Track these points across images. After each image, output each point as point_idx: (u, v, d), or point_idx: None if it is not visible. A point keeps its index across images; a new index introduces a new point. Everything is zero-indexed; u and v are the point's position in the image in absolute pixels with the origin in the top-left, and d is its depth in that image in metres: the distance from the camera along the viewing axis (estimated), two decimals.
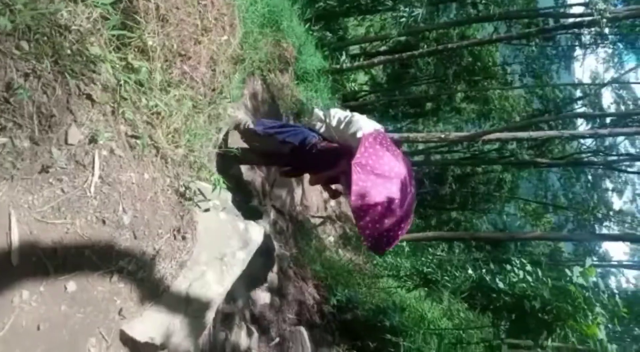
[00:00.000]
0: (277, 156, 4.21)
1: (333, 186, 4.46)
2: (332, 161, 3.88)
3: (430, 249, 11.55)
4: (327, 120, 4.06)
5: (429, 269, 7.31)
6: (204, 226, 2.78)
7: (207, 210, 2.88)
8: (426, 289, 7.47)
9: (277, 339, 4.34)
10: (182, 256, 2.52)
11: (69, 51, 2.09)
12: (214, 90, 3.62)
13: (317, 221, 7.69)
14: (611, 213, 17.83)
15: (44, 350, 1.88)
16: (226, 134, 4.24)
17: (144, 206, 2.35)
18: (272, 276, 4.97)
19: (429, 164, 17.32)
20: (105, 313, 2.14)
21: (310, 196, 8.15)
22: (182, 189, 2.81)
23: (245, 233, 2.99)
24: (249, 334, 3.95)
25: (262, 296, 4.68)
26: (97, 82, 2.27)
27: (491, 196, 17.33)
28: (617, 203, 20.67)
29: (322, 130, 4.08)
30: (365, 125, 3.87)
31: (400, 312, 6.00)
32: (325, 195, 9.38)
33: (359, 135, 3.74)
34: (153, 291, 2.35)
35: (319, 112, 4.17)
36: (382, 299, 6.93)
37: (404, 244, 9.59)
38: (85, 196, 2.06)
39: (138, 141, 2.45)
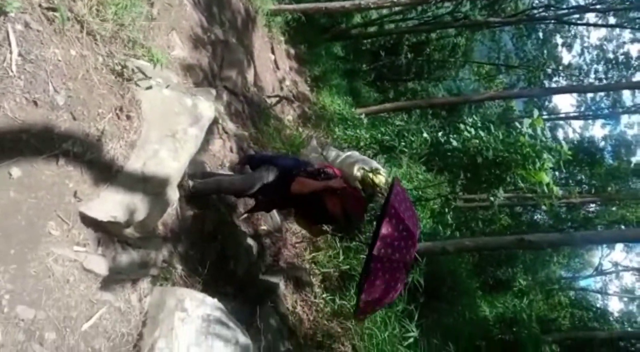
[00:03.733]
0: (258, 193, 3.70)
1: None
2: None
3: (389, 120, 11.78)
4: (325, 153, 3.92)
5: (387, 137, 7.50)
6: (149, 104, 2.67)
7: (149, 88, 2.74)
8: (385, 156, 7.73)
9: (245, 215, 4.49)
10: (130, 136, 2.45)
11: None
12: None
13: (274, 100, 7.56)
14: (560, 68, 18.30)
15: (0, 237, 1.87)
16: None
17: (77, 84, 2.20)
18: (233, 156, 5.00)
19: (384, 35, 16.82)
20: (59, 197, 2.11)
21: (264, 76, 7.91)
22: (118, 68, 2.64)
23: (195, 109, 2.90)
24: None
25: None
26: None
27: (446, 62, 17.26)
28: (566, 58, 21.13)
29: (315, 160, 3.86)
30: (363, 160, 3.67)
31: None
32: (280, 74, 9.15)
33: (356, 171, 3.67)
34: (106, 172, 2.32)
35: (315, 143, 3.88)
36: None
37: (364, 117, 9.72)
38: (7, 75, 1.90)
39: (56, 14, 2.22)
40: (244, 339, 2.91)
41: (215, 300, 2.98)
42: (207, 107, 3.03)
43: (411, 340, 4.38)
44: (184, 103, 2.87)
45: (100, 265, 2.31)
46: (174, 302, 2.63)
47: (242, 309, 3.68)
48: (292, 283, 4.63)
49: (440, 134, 7.16)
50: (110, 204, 2.30)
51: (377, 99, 16.08)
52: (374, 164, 3.90)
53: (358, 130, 8.28)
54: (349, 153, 3.91)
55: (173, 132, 2.68)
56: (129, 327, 2.40)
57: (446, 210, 7.00)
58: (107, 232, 2.41)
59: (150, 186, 2.48)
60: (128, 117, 2.46)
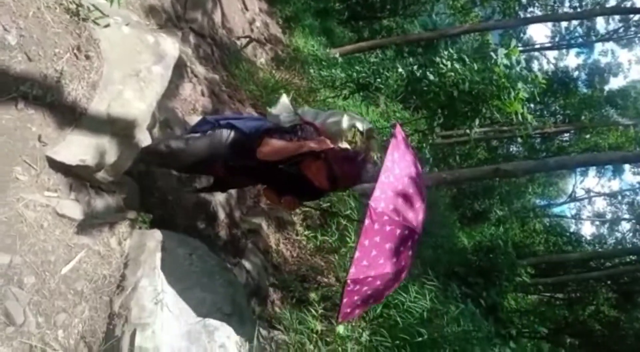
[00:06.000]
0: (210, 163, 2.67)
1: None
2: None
3: (364, 59, 11.57)
4: (300, 111, 2.77)
5: (362, 75, 7.39)
6: (108, 43, 2.55)
7: (107, 26, 2.61)
8: (361, 94, 7.65)
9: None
10: (91, 76, 2.35)
11: None
12: None
13: (244, 42, 7.31)
14: None
15: None
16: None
17: (28, 23, 2.09)
18: (205, 100, 4.89)
19: None
20: (23, 141, 2.05)
21: (232, 17, 7.59)
22: (72, 7, 2.49)
23: (157, 46, 2.78)
24: None
25: None
26: None
27: None
28: None
29: (288, 119, 2.72)
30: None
31: None
32: (249, 15, 8.78)
33: (344, 124, 2.67)
34: (69, 114, 2.24)
35: (286, 100, 2.85)
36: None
37: (338, 57, 9.51)
38: None
39: None
40: (228, 274, 2.98)
41: (197, 239, 3.02)
42: (170, 44, 2.92)
43: None
44: (146, 41, 2.75)
45: (74, 210, 2.29)
46: (154, 243, 2.64)
47: (225, 249, 3.74)
48: (274, 223, 4.69)
49: (415, 67, 7.09)
50: (78, 147, 2.25)
51: (351, 38, 15.66)
52: (367, 123, 2.99)
53: (333, 70, 8.14)
54: (333, 111, 2.94)
55: (136, 71, 2.59)
56: (111, 270, 2.42)
57: (424, 145, 7.06)
58: (78, 177, 2.37)
59: (117, 127, 2.42)
60: (87, 57, 2.36)
